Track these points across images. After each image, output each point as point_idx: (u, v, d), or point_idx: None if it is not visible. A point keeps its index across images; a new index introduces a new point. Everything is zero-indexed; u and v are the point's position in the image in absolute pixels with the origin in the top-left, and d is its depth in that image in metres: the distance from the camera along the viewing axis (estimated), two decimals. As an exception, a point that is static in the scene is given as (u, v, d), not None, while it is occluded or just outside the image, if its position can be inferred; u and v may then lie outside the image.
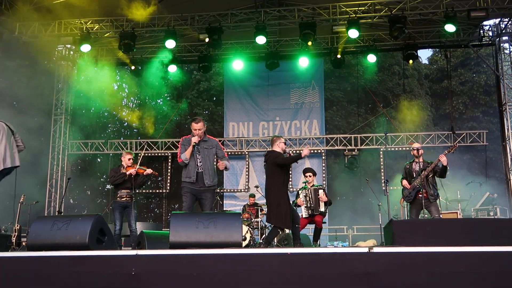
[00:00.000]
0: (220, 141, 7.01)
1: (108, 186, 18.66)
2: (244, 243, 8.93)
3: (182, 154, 6.10)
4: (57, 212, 12.42)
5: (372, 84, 18.12)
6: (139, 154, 8.23)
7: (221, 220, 4.68)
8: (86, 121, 16.41)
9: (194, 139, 6.05)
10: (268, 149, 13.52)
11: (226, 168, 6.14)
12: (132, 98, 20.78)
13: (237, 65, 13.50)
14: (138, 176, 7.64)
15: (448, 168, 7.09)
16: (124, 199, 7.63)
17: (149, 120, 18.82)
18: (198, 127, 6.07)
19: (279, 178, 6.73)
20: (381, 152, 13.41)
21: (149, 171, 7.66)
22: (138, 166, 7.63)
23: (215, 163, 6.32)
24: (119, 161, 8.30)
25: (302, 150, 6.98)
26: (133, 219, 7.63)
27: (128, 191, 7.64)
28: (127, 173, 7.54)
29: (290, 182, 13.37)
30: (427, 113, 20.16)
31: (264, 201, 10.54)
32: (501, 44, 13.19)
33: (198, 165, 6.07)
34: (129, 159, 7.69)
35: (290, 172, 13.41)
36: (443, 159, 6.91)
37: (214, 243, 4.46)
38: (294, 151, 13.56)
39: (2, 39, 11.83)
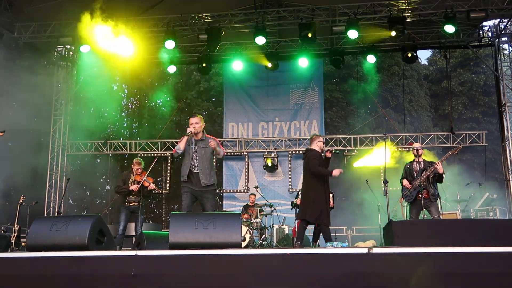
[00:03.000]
0: (219, 141, 6.93)
1: (108, 187, 18.66)
2: (243, 244, 8.93)
3: (176, 145, 6.07)
4: (56, 213, 12.41)
5: (371, 84, 18.12)
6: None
7: (221, 221, 4.68)
8: (85, 122, 16.38)
9: (189, 129, 5.97)
10: (268, 149, 13.83)
11: (217, 152, 6.01)
12: (131, 98, 20.81)
13: (237, 65, 13.50)
14: (144, 188, 7.89)
15: (444, 176, 7.10)
16: (132, 204, 7.96)
17: (148, 121, 18.86)
18: (194, 121, 6.03)
19: (315, 177, 6.73)
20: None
21: (152, 186, 7.89)
22: (145, 177, 7.87)
23: (214, 162, 6.28)
24: (118, 161, 8.37)
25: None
26: (139, 224, 7.90)
27: (136, 197, 7.94)
28: (130, 188, 7.83)
29: (290, 183, 13.38)
30: (427, 113, 20.19)
31: (264, 201, 10.66)
32: (501, 45, 13.18)
33: (196, 165, 6.02)
34: (137, 169, 7.98)
35: (290, 172, 13.48)
36: (439, 167, 6.91)
37: (214, 243, 4.46)
38: (294, 152, 13.56)
39: (2, 39, 11.81)
